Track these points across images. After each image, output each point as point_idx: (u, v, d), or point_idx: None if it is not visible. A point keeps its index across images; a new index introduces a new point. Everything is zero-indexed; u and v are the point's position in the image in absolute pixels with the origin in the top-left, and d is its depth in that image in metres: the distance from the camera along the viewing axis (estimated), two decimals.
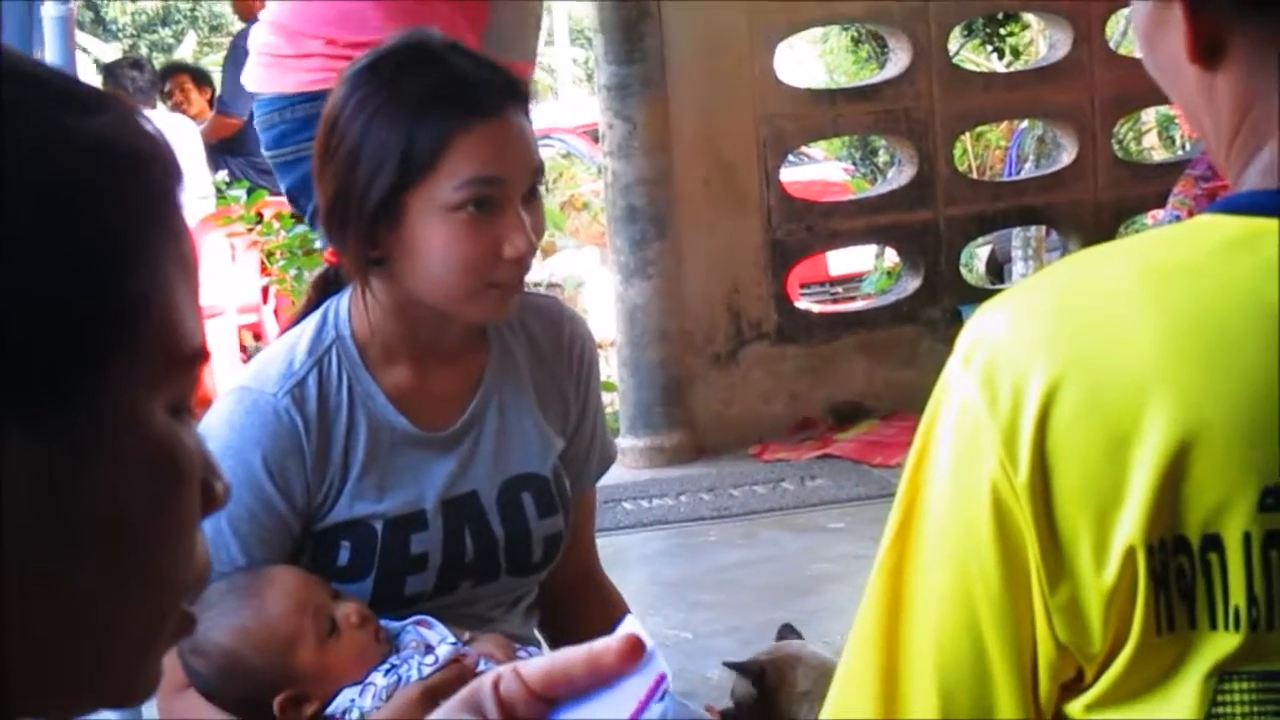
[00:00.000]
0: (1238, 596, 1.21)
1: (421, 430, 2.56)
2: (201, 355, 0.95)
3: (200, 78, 9.78)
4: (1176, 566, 1.21)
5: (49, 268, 0.86)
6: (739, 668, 2.83)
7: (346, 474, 2.50)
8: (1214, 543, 1.21)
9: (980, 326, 1.32)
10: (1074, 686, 1.30)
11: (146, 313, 0.90)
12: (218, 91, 9.90)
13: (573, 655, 1.14)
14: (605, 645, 1.13)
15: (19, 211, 0.86)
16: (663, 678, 1.17)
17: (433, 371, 2.58)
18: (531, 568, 2.64)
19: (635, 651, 1.15)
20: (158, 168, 0.94)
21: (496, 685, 1.15)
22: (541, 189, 2.55)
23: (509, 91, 2.48)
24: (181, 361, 0.93)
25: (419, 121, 2.40)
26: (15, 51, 0.93)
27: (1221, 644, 1.22)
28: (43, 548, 0.87)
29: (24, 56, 0.94)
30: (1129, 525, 1.21)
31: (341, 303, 2.56)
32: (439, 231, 2.41)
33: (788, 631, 3.20)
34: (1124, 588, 1.22)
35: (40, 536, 0.87)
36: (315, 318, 2.57)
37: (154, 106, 8.66)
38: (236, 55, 9.33)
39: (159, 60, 13.15)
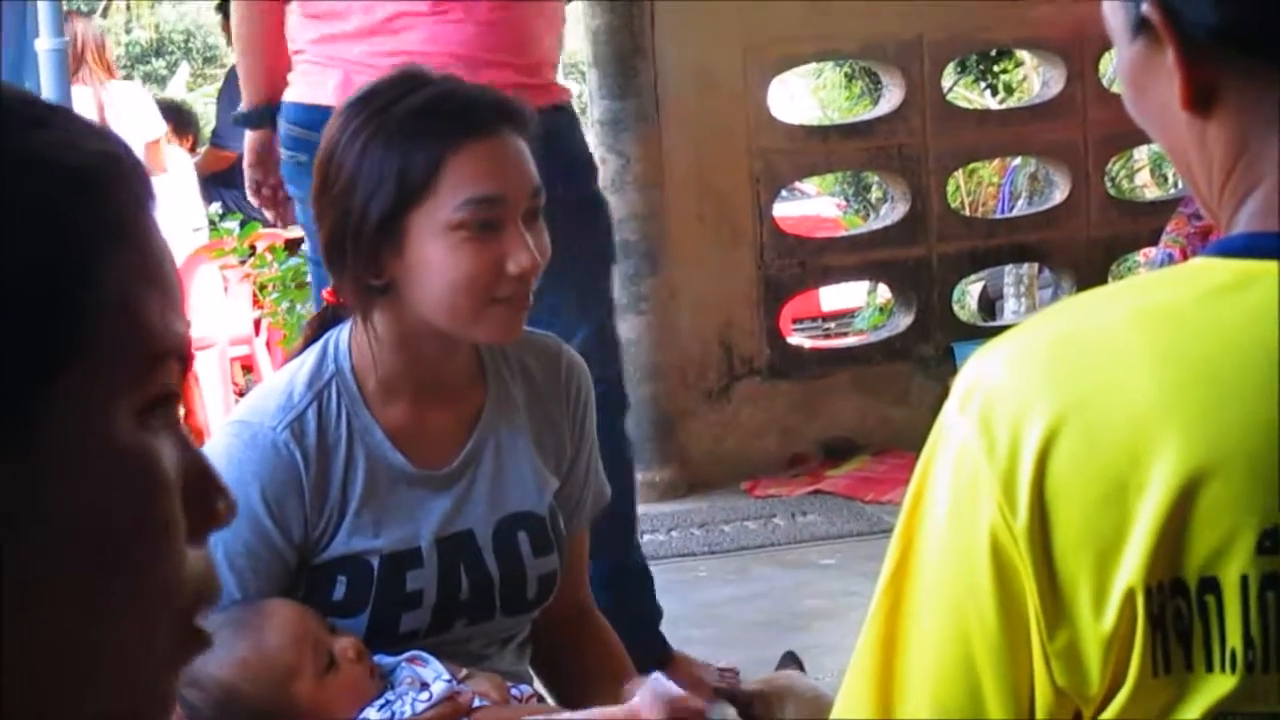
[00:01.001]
0: (1234, 639, 1.21)
1: (418, 468, 2.55)
2: (174, 353, 0.94)
3: (182, 124, 9.72)
4: (1174, 609, 1.21)
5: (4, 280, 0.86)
6: (728, 695, 2.82)
7: (344, 509, 2.50)
8: (1211, 585, 1.21)
9: (977, 371, 1.32)
10: None
11: (101, 321, 0.90)
12: (200, 132, 9.86)
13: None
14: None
15: None
16: None
17: (431, 409, 2.58)
18: (526, 606, 2.64)
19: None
20: (111, 178, 0.94)
21: None
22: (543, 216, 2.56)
23: (503, 112, 2.50)
24: (147, 363, 0.92)
25: (413, 142, 2.42)
26: None
27: (1218, 686, 1.22)
28: (21, 565, 0.87)
29: None
30: (1129, 568, 1.21)
31: (342, 336, 2.56)
32: (441, 250, 2.42)
33: (789, 660, 3.18)
34: (1123, 631, 1.22)
35: (17, 554, 0.87)
36: (315, 350, 2.56)
37: None
38: (230, 88, 9.32)
39: (152, 92, 13.13)
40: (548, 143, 3.90)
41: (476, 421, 2.62)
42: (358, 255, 2.45)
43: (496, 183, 2.44)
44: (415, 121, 2.43)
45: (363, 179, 2.43)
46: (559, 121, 3.87)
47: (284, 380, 2.55)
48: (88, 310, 0.90)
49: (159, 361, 0.93)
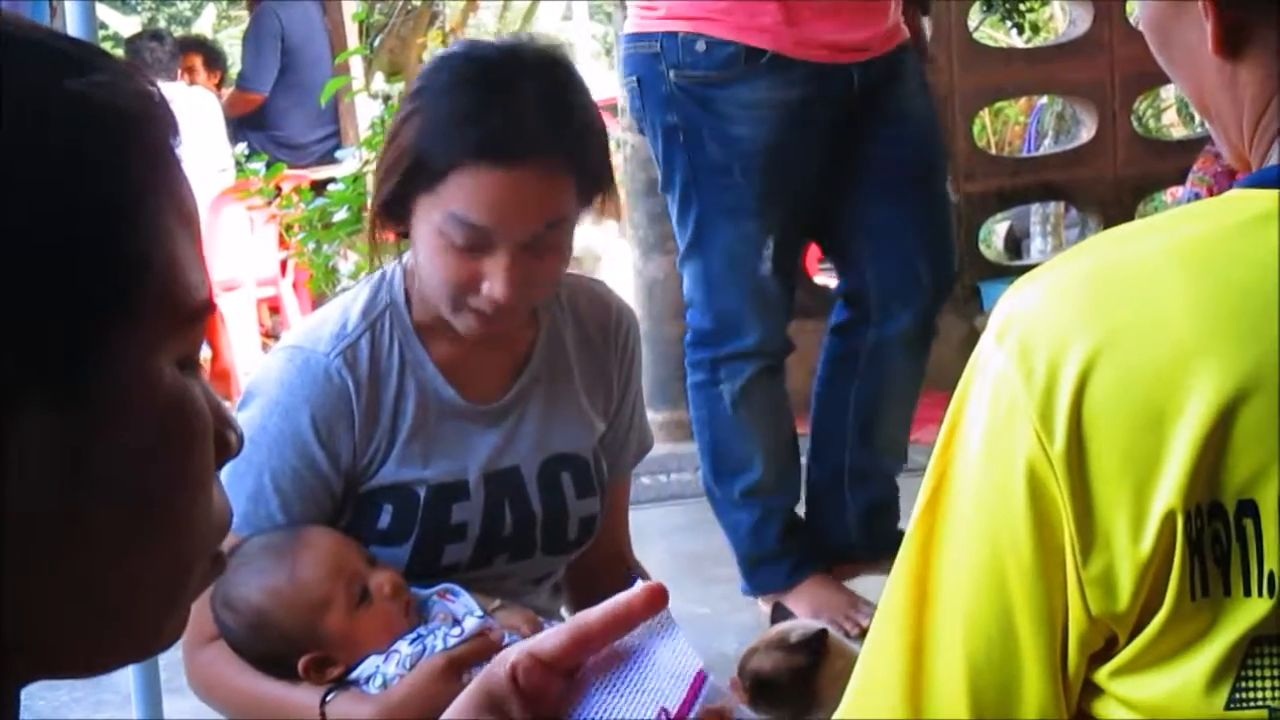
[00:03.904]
0: (1272, 562, 1.22)
1: (468, 402, 2.57)
2: (208, 309, 0.96)
3: (212, 59, 9.71)
4: (1212, 533, 1.22)
5: (49, 232, 0.87)
6: (805, 643, 2.83)
7: (394, 438, 2.52)
8: (1249, 509, 1.22)
9: (1013, 303, 1.32)
10: (1102, 655, 1.30)
11: (149, 270, 0.91)
12: (228, 71, 9.85)
13: (589, 616, 1.12)
14: (624, 599, 1.11)
15: (15, 175, 0.86)
16: (703, 677, 1.15)
17: (482, 345, 2.58)
18: (566, 547, 2.66)
19: (656, 599, 1.12)
20: (154, 124, 0.94)
21: (515, 678, 1.12)
22: (565, 236, 2.46)
23: (547, 143, 2.37)
24: (188, 317, 0.94)
25: (435, 138, 2.38)
26: (7, 13, 0.93)
27: (1254, 610, 1.23)
28: (67, 511, 0.89)
29: (16, 17, 0.94)
30: (1168, 491, 1.21)
31: (397, 269, 2.57)
32: (428, 244, 2.42)
33: (781, 612, 3.19)
34: (1160, 555, 1.23)
35: (64, 501, 0.88)
36: (372, 281, 2.59)
37: (174, 79, 8.64)
38: (257, 32, 9.31)
39: (178, 34, 13.12)
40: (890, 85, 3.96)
41: (527, 360, 2.63)
42: (375, 205, 2.50)
43: (488, 215, 2.37)
44: (448, 119, 2.38)
45: (394, 145, 2.44)
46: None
47: (339, 308, 2.57)
48: (139, 260, 0.91)
49: (199, 315, 0.94)
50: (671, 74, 3.96)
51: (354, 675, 2.38)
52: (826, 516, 4.40)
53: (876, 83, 4.01)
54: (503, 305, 2.40)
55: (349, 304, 2.56)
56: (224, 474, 0.99)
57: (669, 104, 4.00)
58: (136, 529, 0.92)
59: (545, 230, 2.41)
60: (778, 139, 3.94)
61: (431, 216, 2.39)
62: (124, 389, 0.90)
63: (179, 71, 8.90)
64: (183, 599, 0.97)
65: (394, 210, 2.45)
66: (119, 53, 9.22)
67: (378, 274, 2.60)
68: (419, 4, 11.78)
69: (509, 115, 2.37)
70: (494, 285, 2.39)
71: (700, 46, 3.92)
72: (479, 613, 2.41)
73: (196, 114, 8.10)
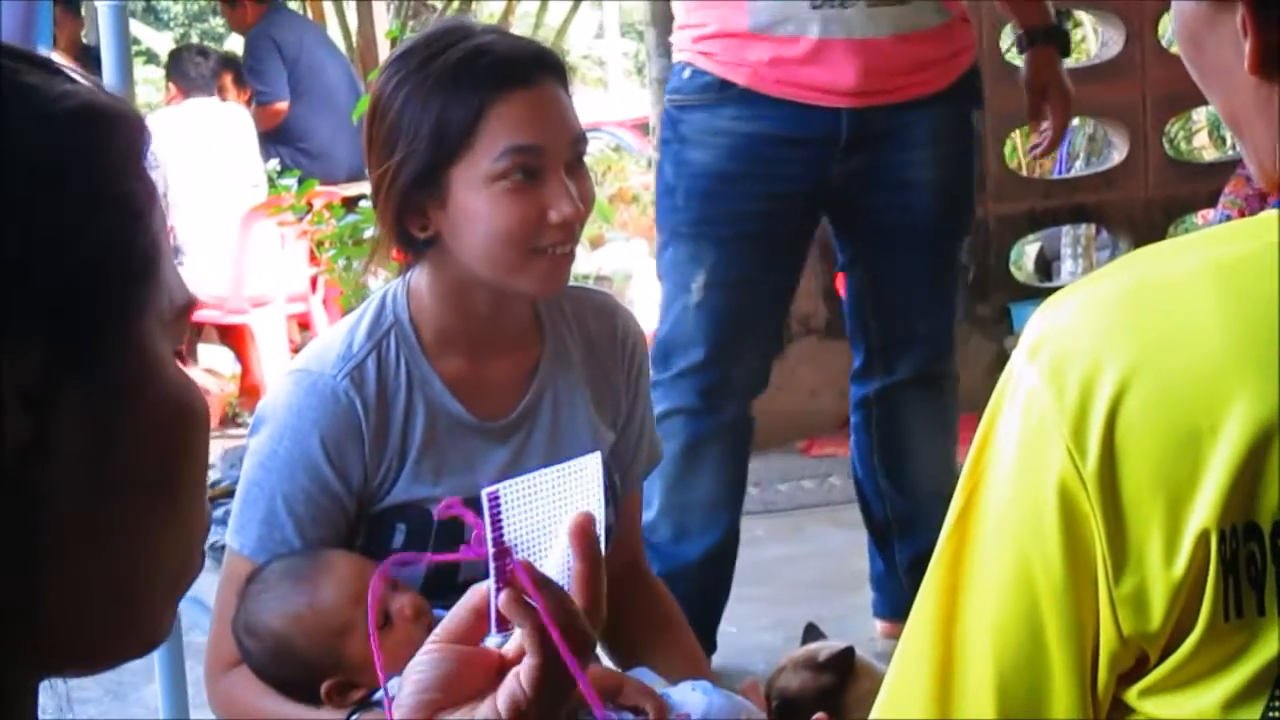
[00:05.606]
0: None
1: (477, 418, 2.57)
2: (193, 303, 0.99)
3: (240, 76, 9.73)
4: (1247, 553, 1.22)
5: (82, 230, 0.90)
6: (832, 662, 2.82)
7: (404, 457, 2.52)
8: None
9: (1047, 319, 1.32)
10: (1132, 674, 1.30)
11: (156, 263, 0.95)
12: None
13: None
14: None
15: (37, 180, 0.89)
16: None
17: (488, 360, 2.59)
18: None
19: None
20: (134, 127, 0.97)
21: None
22: (587, 162, 2.56)
23: (542, 63, 2.50)
24: (181, 310, 0.97)
25: (451, 97, 2.43)
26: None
27: None
28: (93, 496, 0.91)
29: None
30: (1203, 511, 1.21)
31: (400, 287, 2.58)
32: (483, 202, 2.43)
33: (813, 632, 3.18)
34: (1193, 576, 1.22)
35: (91, 484, 0.91)
36: (375, 300, 2.59)
37: (212, 94, 8.64)
38: (253, 50, 9.31)
39: (210, 48, 13.15)
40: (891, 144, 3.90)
41: (534, 374, 2.63)
42: (399, 208, 2.48)
43: (537, 132, 2.44)
44: (452, 76, 2.44)
45: (402, 134, 2.45)
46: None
47: (344, 330, 2.57)
48: (149, 255, 0.94)
49: (188, 310, 0.98)
50: (667, 100, 4.11)
51: (377, 697, 2.38)
52: (883, 567, 4.42)
53: (876, 135, 3.90)
54: (571, 223, 2.46)
55: (353, 325, 2.57)
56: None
57: (662, 128, 4.16)
58: (157, 511, 0.95)
59: (579, 143, 2.52)
60: (724, 167, 3.92)
61: (478, 173, 2.43)
62: (143, 375, 0.93)
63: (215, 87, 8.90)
64: (184, 587, 1.00)
65: (422, 193, 2.46)
66: (157, 68, 9.25)
67: (379, 294, 2.61)
68: None
69: (505, 47, 2.48)
70: (561, 206, 2.45)
71: (686, 74, 3.99)
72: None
73: (232, 129, 8.12)
